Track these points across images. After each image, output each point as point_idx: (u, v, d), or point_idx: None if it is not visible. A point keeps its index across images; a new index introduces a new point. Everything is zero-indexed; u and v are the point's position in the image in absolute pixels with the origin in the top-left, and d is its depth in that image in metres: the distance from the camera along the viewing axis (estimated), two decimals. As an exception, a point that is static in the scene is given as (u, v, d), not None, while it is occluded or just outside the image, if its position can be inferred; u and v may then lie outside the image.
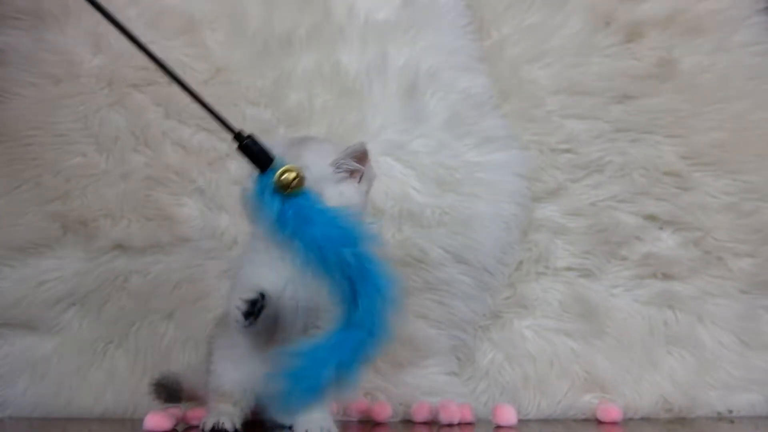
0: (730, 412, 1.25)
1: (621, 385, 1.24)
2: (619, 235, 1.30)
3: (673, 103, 1.33)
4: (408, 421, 1.17)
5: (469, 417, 1.15)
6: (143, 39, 1.26)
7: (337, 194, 0.89)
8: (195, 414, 1.07)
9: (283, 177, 0.80)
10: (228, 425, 0.90)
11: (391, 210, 1.25)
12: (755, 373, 1.26)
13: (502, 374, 1.26)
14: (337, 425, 0.89)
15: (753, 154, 1.32)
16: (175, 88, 1.26)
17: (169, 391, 1.08)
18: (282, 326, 0.89)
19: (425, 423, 1.15)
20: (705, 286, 1.29)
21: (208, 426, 0.90)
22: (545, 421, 1.23)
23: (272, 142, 0.96)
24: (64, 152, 1.25)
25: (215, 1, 1.30)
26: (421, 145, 1.28)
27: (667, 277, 1.30)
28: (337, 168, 0.90)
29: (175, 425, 1.04)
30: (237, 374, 0.92)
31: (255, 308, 0.83)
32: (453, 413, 1.13)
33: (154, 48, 1.26)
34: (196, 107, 1.25)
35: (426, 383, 1.22)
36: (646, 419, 1.23)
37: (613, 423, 1.19)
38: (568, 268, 1.30)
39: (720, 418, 1.24)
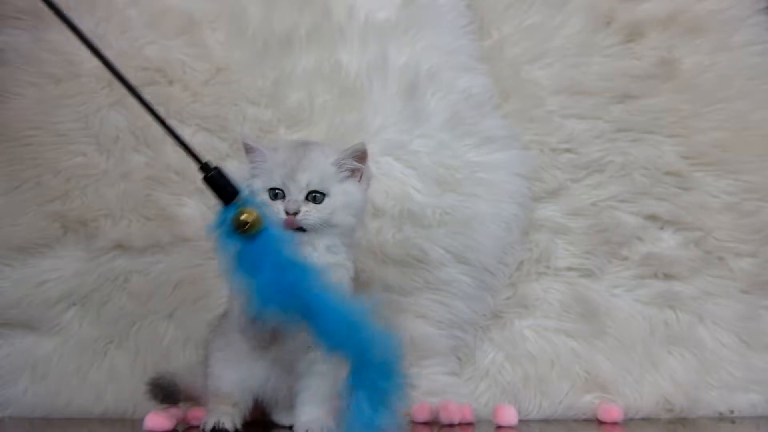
0: (731, 412, 1.24)
1: (622, 385, 1.24)
2: (619, 235, 1.30)
3: (673, 103, 1.33)
4: (408, 422, 1.17)
5: (469, 417, 1.15)
6: (143, 39, 1.28)
7: (341, 192, 0.92)
8: (195, 414, 1.07)
9: (242, 217, 0.79)
10: (228, 425, 0.91)
11: (392, 210, 1.25)
12: (756, 373, 1.26)
13: (502, 374, 1.25)
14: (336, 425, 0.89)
15: (754, 154, 1.32)
16: (176, 89, 1.28)
17: (165, 392, 1.08)
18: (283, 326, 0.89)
19: (426, 423, 1.15)
20: (706, 286, 1.29)
21: (209, 426, 0.91)
22: (546, 421, 1.23)
23: (275, 143, 0.97)
24: (65, 152, 1.25)
25: (215, 0, 1.30)
26: (421, 145, 1.27)
27: (668, 277, 1.30)
28: (339, 167, 0.93)
29: (176, 425, 1.04)
30: (235, 375, 0.93)
31: None
32: (453, 413, 1.13)
33: (154, 48, 1.28)
34: (196, 107, 1.28)
35: (426, 383, 1.22)
36: (647, 419, 1.23)
37: (614, 423, 1.19)
38: (569, 268, 1.30)
39: (721, 418, 1.24)
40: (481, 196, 1.27)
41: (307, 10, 1.30)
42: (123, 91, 1.25)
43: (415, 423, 1.15)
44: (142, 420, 1.03)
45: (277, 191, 0.92)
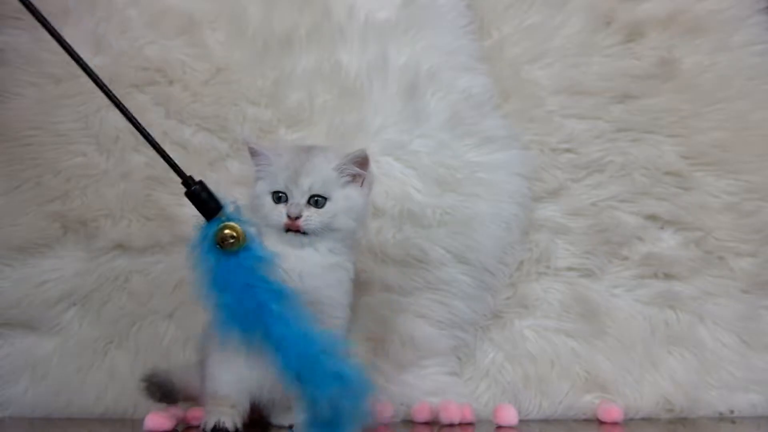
0: (732, 412, 1.24)
1: (622, 385, 1.24)
2: (620, 235, 1.30)
3: (673, 103, 1.33)
4: (409, 422, 1.17)
5: (469, 417, 1.15)
6: (143, 39, 1.28)
7: (343, 197, 0.94)
8: (195, 414, 1.07)
9: (225, 231, 0.79)
10: (229, 424, 0.91)
11: (392, 210, 1.25)
12: (756, 373, 1.26)
13: (502, 374, 1.25)
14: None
15: (754, 154, 1.32)
16: (176, 89, 1.28)
17: (162, 390, 1.08)
18: None
19: (426, 423, 1.15)
20: (706, 286, 1.29)
21: (209, 426, 0.91)
22: (546, 421, 1.23)
23: (280, 147, 0.98)
24: (65, 152, 1.25)
25: (215, 0, 1.30)
26: (421, 145, 1.27)
27: (668, 277, 1.30)
28: (341, 172, 0.94)
29: (176, 425, 1.04)
30: (233, 377, 0.93)
31: None
32: (454, 413, 1.13)
33: (154, 48, 1.29)
34: (196, 107, 1.28)
35: (427, 383, 1.22)
36: (647, 419, 1.23)
37: (614, 423, 1.19)
38: (569, 268, 1.30)
39: (721, 418, 1.24)
40: (481, 196, 1.27)
41: (307, 10, 1.30)
42: (123, 91, 1.27)
43: (415, 423, 1.16)
44: (142, 420, 1.03)
45: (280, 194, 0.94)
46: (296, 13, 1.30)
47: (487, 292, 1.27)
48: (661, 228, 1.31)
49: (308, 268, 0.93)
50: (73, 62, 1.26)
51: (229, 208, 0.82)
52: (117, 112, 1.25)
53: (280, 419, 1.00)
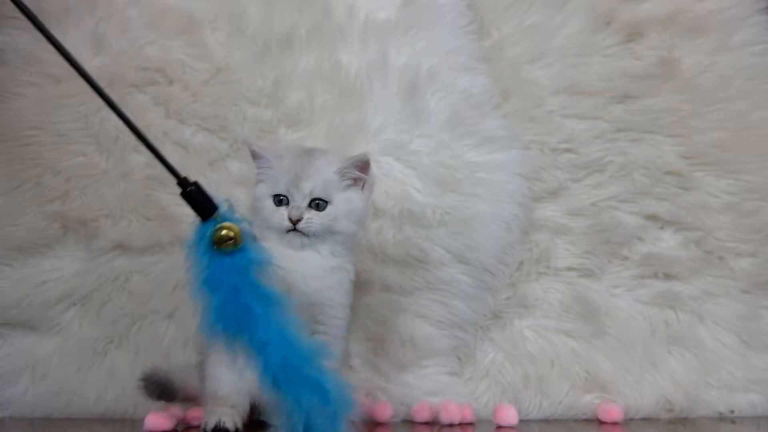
0: (732, 412, 1.24)
1: (622, 385, 1.24)
2: (620, 235, 1.30)
3: (673, 103, 1.33)
4: (409, 422, 1.17)
5: (469, 417, 1.15)
6: (143, 39, 1.28)
7: (344, 201, 0.95)
8: (195, 414, 1.07)
9: (222, 232, 0.79)
10: (229, 425, 0.91)
11: (392, 210, 1.25)
12: (757, 373, 1.26)
13: (502, 374, 1.25)
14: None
15: (754, 154, 1.32)
16: (176, 89, 1.28)
17: (162, 388, 1.08)
18: None
19: (426, 423, 1.15)
20: (706, 286, 1.29)
21: (210, 426, 0.91)
22: (546, 421, 1.23)
23: (282, 150, 0.98)
24: (65, 152, 1.25)
25: (215, 0, 1.30)
26: (421, 145, 1.27)
27: (668, 277, 1.30)
28: (342, 176, 0.95)
29: (176, 425, 1.04)
30: (233, 377, 0.93)
31: None
32: (454, 413, 1.13)
33: (154, 48, 1.28)
34: (196, 107, 1.28)
35: (427, 383, 1.22)
36: (647, 419, 1.23)
37: (614, 423, 1.18)
38: (569, 268, 1.30)
39: (721, 418, 1.24)
40: (481, 196, 1.27)
41: (307, 10, 1.30)
42: (123, 91, 1.27)
43: (415, 423, 1.16)
44: (142, 420, 1.03)
45: (281, 197, 0.94)
46: (296, 13, 1.30)
47: (487, 292, 1.27)
48: (661, 228, 1.31)
49: (310, 271, 0.94)
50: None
51: (224, 208, 0.81)
52: (117, 112, 1.27)
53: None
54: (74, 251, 1.24)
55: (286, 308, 0.78)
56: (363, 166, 0.96)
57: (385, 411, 1.15)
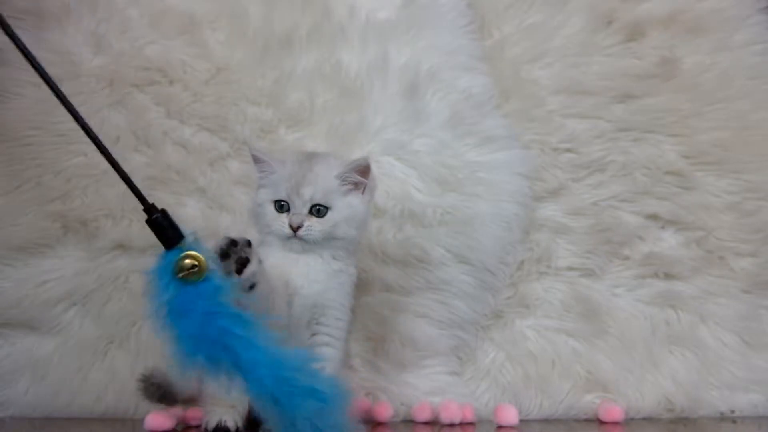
0: (733, 412, 1.24)
1: (623, 385, 1.24)
2: (620, 235, 1.30)
3: (674, 103, 1.33)
4: (409, 421, 1.17)
5: (470, 417, 1.15)
6: (144, 39, 1.28)
7: (345, 206, 0.95)
8: (195, 414, 1.07)
9: (185, 261, 0.78)
10: (230, 424, 0.91)
11: (393, 210, 1.25)
12: (757, 373, 1.26)
13: (503, 374, 1.25)
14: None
15: (755, 154, 1.32)
16: (176, 88, 1.28)
17: (162, 391, 1.07)
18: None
19: (426, 423, 1.15)
20: (707, 286, 1.29)
21: (211, 425, 0.91)
22: (547, 421, 1.22)
23: (283, 155, 0.98)
24: (65, 152, 1.25)
25: (216, 0, 1.30)
26: (422, 145, 1.27)
27: (669, 276, 1.30)
28: (343, 181, 0.95)
29: (176, 425, 1.04)
30: None
31: (231, 250, 0.81)
32: (454, 413, 1.13)
33: (154, 48, 1.28)
34: (197, 107, 1.28)
35: (427, 383, 1.22)
36: (648, 419, 1.23)
37: (615, 423, 1.18)
38: (570, 268, 1.30)
39: (722, 418, 1.24)
40: (481, 196, 1.27)
41: (307, 10, 1.30)
42: (123, 91, 1.27)
43: (415, 423, 1.16)
44: (142, 420, 1.04)
45: (282, 203, 0.94)
46: (297, 13, 1.30)
47: (487, 292, 1.27)
48: (662, 228, 1.31)
49: (312, 274, 0.94)
50: (73, 62, 1.27)
51: (190, 239, 0.80)
52: (118, 112, 1.27)
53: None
54: (75, 251, 1.24)
55: (260, 327, 0.78)
56: (363, 170, 0.96)
57: (386, 411, 1.15)
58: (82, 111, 1.24)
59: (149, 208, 0.80)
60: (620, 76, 1.33)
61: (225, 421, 0.91)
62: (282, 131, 1.28)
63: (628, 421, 1.21)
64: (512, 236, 1.28)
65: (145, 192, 1.23)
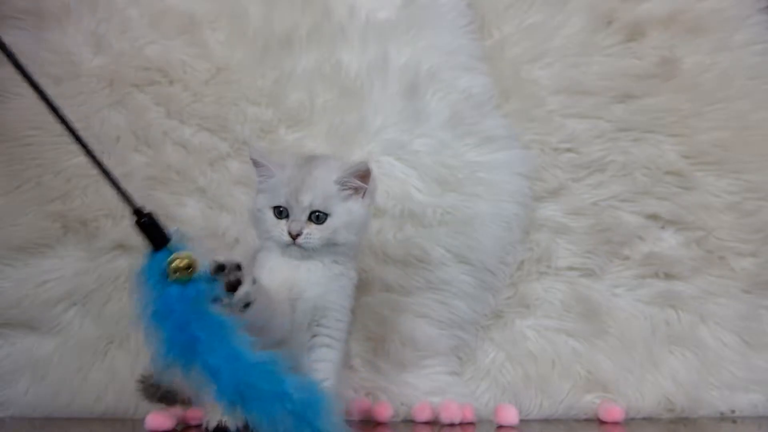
0: (733, 412, 1.24)
1: (623, 385, 1.24)
2: (620, 235, 1.30)
3: (674, 103, 1.33)
4: (409, 421, 1.17)
5: (470, 417, 1.15)
6: (144, 39, 1.28)
7: (344, 212, 0.93)
8: (195, 414, 1.07)
9: (178, 262, 0.77)
10: (230, 423, 0.91)
11: (393, 209, 1.25)
12: (758, 373, 1.26)
13: (503, 374, 1.25)
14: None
15: (755, 154, 1.32)
16: (177, 88, 1.28)
17: (161, 391, 1.07)
18: (275, 327, 0.89)
19: (427, 423, 1.15)
20: (707, 286, 1.29)
21: (212, 425, 0.91)
22: (547, 421, 1.22)
23: (283, 158, 0.97)
24: (65, 152, 1.24)
25: (216, 0, 1.30)
26: (422, 145, 1.27)
27: (669, 276, 1.30)
28: (342, 185, 0.93)
29: (176, 425, 1.04)
30: None
31: (219, 276, 0.79)
32: (454, 413, 1.13)
33: (154, 48, 1.28)
34: (197, 107, 1.28)
35: (427, 383, 1.22)
36: (648, 419, 1.23)
37: (615, 423, 1.18)
38: (570, 268, 1.30)
39: (722, 418, 1.24)
40: (481, 196, 1.27)
41: (307, 10, 1.30)
42: (123, 91, 1.27)
43: (415, 423, 1.16)
44: (142, 420, 1.04)
45: (281, 209, 0.93)
46: (297, 13, 1.30)
47: (487, 292, 1.27)
48: (662, 227, 1.31)
49: (313, 278, 0.94)
50: (73, 62, 1.27)
51: (177, 238, 0.80)
52: (118, 112, 1.27)
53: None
54: (75, 251, 1.24)
55: (234, 332, 0.78)
56: (363, 174, 0.94)
57: (386, 411, 1.15)
58: (82, 111, 1.26)
59: (137, 211, 0.80)
60: (620, 76, 1.33)
61: (225, 421, 0.91)
62: (282, 131, 1.28)
63: (628, 421, 1.21)
64: (512, 236, 1.28)
65: (145, 192, 1.25)
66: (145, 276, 0.77)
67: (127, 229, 1.23)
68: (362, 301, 1.19)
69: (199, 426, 0.98)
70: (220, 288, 0.78)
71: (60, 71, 1.26)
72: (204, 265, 0.78)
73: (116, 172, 1.22)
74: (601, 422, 1.20)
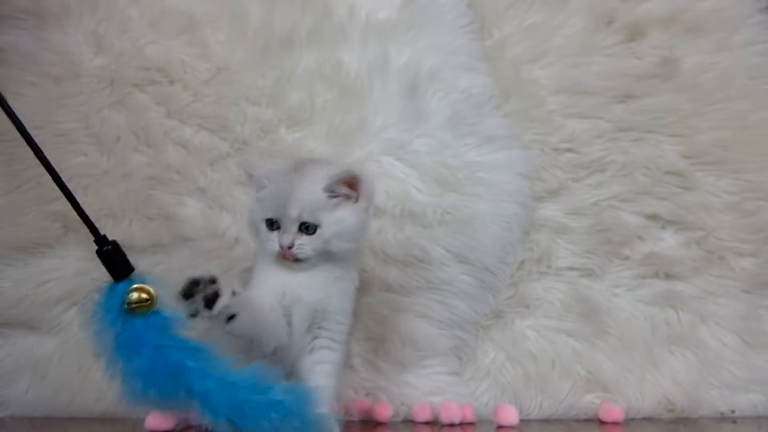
0: (733, 412, 1.24)
1: (623, 385, 1.24)
2: (621, 235, 1.30)
3: (674, 103, 1.32)
4: (409, 421, 1.17)
5: (470, 417, 1.15)
6: (144, 39, 1.28)
7: (333, 221, 0.92)
8: (195, 414, 1.06)
9: (135, 294, 0.77)
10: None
11: (393, 209, 1.25)
12: (758, 373, 1.26)
13: (503, 374, 1.25)
14: (338, 425, 0.89)
15: (755, 154, 1.32)
16: (177, 88, 1.28)
17: None
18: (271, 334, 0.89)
19: (427, 423, 1.15)
20: (707, 286, 1.29)
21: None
22: (547, 421, 1.22)
23: (272, 169, 0.95)
24: (66, 152, 1.25)
25: (216, 0, 1.30)
26: (422, 145, 1.27)
27: (669, 276, 1.30)
28: (331, 193, 0.91)
29: (176, 425, 1.04)
30: None
31: (194, 290, 0.78)
32: (454, 413, 1.13)
33: (155, 48, 1.29)
34: (197, 107, 1.28)
35: (427, 383, 1.22)
36: (648, 419, 1.23)
37: (615, 423, 1.19)
38: (570, 268, 1.30)
39: (722, 418, 1.24)
40: (481, 196, 1.27)
41: (307, 10, 1.30)
42: (124, 90, 1.27)
43: (415, 423, 1.16)
44: (142, 420, 1.03)
45: (273, 221, 0.93)
46: (297, 13, 1.30)
47: (488, 292, 1.27)
48: (662, 228, 1.31)
49: (313, 283, 0.93)
50: (74, 62, 1.27)
51: (140, 271, 0.79)
52: (118, 112, 1.27)
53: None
54: (75, 251, 1.24)
55: (213, 352, 0.77)
56: (350, 181, 0.92)
57: (386, 411, 1.15)
58: (83, 110, 1.26)
59: (100, 240, 0.79)
60: (620, 76, 1.33)
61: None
62: (282, 131, 1.28)
63: (628, 421, 1.21)
64: (512, 236, 1.28)
65: (145, 192, 1.25)
66: (105, 308, 0.77)
67: (127, 229, 1.24)
68: (362, 301, 1.19)
69: (199, 426, 0.98)
70: (198, 303, 0.77)
71: (60, 71, 1.26)
72: (179, 283, 0.77)
73: (116, 172, 1.26)
74: (601, 422, 1.20)
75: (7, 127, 1.24)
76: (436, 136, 1.28)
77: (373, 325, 1.23)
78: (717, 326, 1.28)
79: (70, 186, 1.22)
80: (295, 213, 0.90)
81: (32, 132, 1.23)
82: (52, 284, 1.22)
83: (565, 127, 1.33)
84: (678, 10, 1.35)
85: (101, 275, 1.20)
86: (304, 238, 0.91)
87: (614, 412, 1.19)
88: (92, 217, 1.22)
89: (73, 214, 1.22)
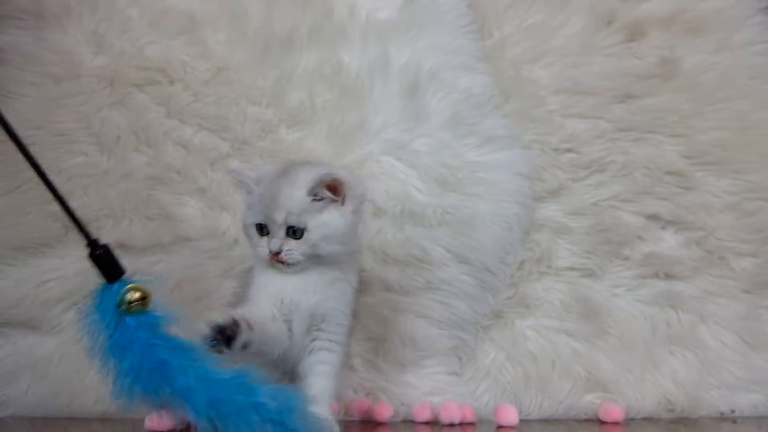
0: (733, 412, 1.24)
1: (623, 385, 1.24)
2: (621, 235, 1.30)
3: (675, 103, 1.32)
4: (409, 421, 1.17)
5: (470, 417, 1.15)
6: (144, 39, 1.28)
7: (319, 225, 0.91)
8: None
9: (131, 294, 0.77)
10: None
11: (393, 209, 1.25)
12: (758, 373, 1.26)
13: (503, 374, 1.25)
14: (338, 425, 0.89)
15: (755, 154, 1.32)
16: (177, 88, 1.28)
17: None
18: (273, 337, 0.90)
19: (426, 423, 1.15)
20: (707, 286, 1.29)
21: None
22: (547, 421, 1.22)
23: (260, 174, 0.95)
24: (66, 152, 1.25)
25: (216, 0, 1.30)
26: (422, 145, 1.27)
27: (669, 276, 1.29)
28: (314, 196, 0.91)
29: (176, 425, 1.04)
30: None
31: (224, 336, 0.81)
32: (454, 413, 1.13)
33: (155, 48, 1.29)
34: (197, 107, 1.28)
35: (427, 383, 1.22)
36: (648, 419, 1.23)
37: (615, 423, 1.18)
38: (570, 268, 1.30)
39: (723, 418, 1.24)
40: (482, 196, 1.27)
41: (308, 10, 1.30)
42: (124, 90, 1.27)
43: (415, 423, 1.16)
44: (142, 420, 1.03)
45: (263, 226, 0.93)
46: (297, 13, 1.30)
47: (488, 292, 1.27)
48: (663, 228, 1.31)
49: (309, 286, 0.93)
50: (74, 62, 1.27)
51: (131, 274, 0.80)
52: (118, 112, 1.27)
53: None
54: (75, 251, 1.23)
55: (201, 353, 0.78)
56: (331, 184, 0.91)
57: (386, 411, 1.15)
58: (83, 110, 1.26)
59: (92, 243, 0.80)
60: (620, 76, 1.33)
61: None
62: (282, 131, 1.28)
63: (628, 421, 1.21)
64: (512, 236, 1.28)
65: (145, 192, 1.25)
66: (99, 309, 0.77)
67: (127, 228, 1.24)
68: (362, 301, 1.19)
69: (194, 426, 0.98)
70: (221, 345, 0.80)
71: (60, 71, 1.26)
72: (201, 330, 0.79)
73: (117, 171, 1.26)
74: (601, 422, 1.20)
75: (7, 127, 1.25)
76: (436, 136, 1.28)
77: (373, 325, 1.23)
78: (717, 326, 1.27)
79: (70, 186, 1.24)
80: (281, 217, 0.90)
81: (32, 132, 1.25)
82: (53, 284, 1.22)
83: (566, 127, 1.33)
84: (678, 10, 1.35)
85: (98, 277, 1.22)
86: (292, 243, 0.91)
87: (614, 412, 1.19)
88: (92, 217, 1.23)
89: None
